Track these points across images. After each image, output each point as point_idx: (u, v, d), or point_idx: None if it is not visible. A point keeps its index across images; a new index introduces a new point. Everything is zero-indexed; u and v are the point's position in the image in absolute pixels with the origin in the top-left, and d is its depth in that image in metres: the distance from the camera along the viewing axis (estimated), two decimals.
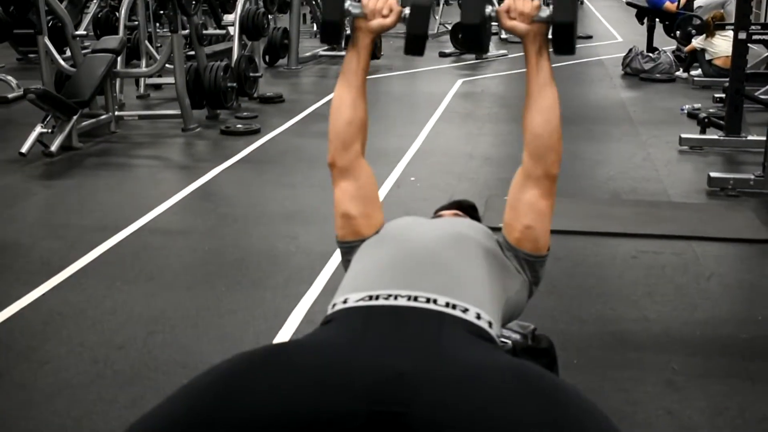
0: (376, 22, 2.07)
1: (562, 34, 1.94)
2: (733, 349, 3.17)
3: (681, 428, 2.63)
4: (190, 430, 1.48)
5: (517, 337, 2.50)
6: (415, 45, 2.12)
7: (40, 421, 2.66)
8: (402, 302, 1.69)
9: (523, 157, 2.04)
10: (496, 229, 2.12)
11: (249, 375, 1.54)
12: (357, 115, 2.12)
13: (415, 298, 1.69)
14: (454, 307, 1.69)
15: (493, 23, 2.09)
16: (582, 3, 21.47)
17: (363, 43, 2.10)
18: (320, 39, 2.26)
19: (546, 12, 1.96)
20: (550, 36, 1.99)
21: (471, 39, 2.07)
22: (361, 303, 1.71)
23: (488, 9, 2.00)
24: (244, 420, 1.48)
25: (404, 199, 5.02)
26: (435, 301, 1.69)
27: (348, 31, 2.12)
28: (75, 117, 6.37)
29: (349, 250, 2.07)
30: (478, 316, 1.70)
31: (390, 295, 1.71)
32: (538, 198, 2.02)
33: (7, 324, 3.39)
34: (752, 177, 5.16)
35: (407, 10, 2.08)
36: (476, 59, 11.61)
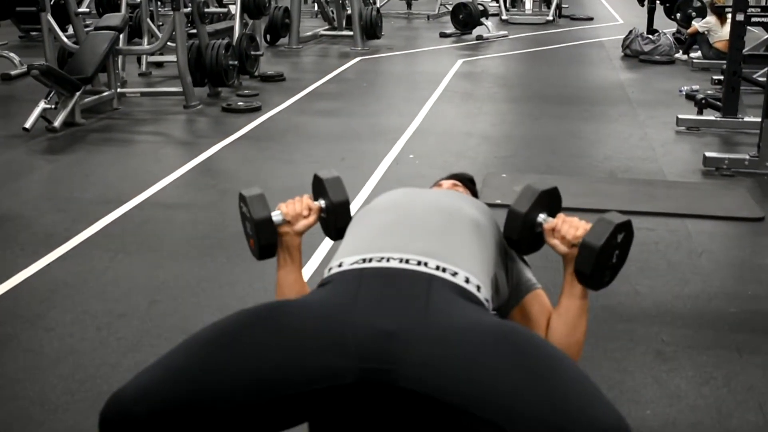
0: (301, 224, 2.11)
1: (581, 278, 1.93)
2: (721, 322, 3.25)
3: (668, 396, 2.70)
4: (187, 383, 1.55)
5: None
6: (341, 233, 2.13)
7: (46, 384, 2.74)
8: (394, 264, 1.76)
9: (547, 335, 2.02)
10: (492, 206, 2.18)
11: (245, 331, 1.61)
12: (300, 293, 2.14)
13: (407, 261, 1.76)
14: (443, 270, 1.76)
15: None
16: None
17: (293, 244, 2.13)
18: (257, 258, 2.33)
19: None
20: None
21: (513, 246, 2.07)
22: (355, 266, 1.79)
23: (541, 217, 2.00)
24: (238, 374, 1.56)
25: (402, 175, 5.08)
26: (426, 264, 1.76)
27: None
28: (78, 93, 6.43)
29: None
30: (467, 280, 1.77)
31: (383, 258, 1.78)
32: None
33: (14, 292, 3.47)
34: (747, 157, 5.23)
35: (322, 203, 2.15)
36: (476, 40, 11.63)
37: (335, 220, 2.15)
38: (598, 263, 1.89)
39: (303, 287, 2.15)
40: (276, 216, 2.09)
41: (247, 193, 2.10)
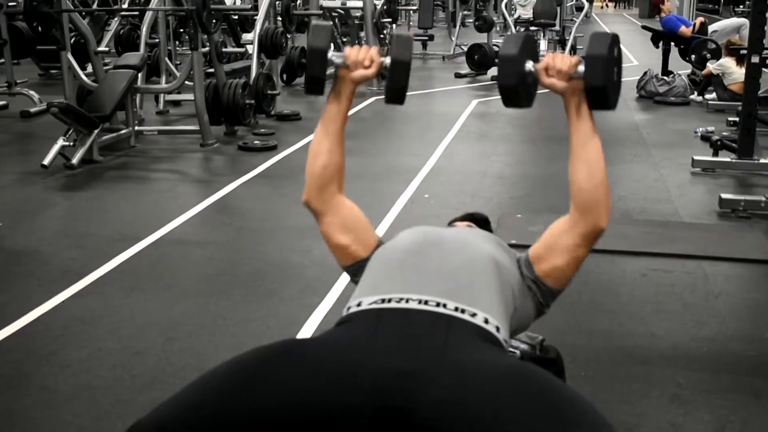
0: (358, 73, 2.11)
1: (595, 95, 1.96)
2: (738, 365, 3.22)
3: None
4: (204, 418, 1.55)
5: (525, 347, 2.56)
6: (396, 97, 2.15)
7: (60, 422, 2.74)
8: (413, 305, 1.76)
9: (570, 207, 2.06)
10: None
11: (264, 368, 1.61)
12: (333, 160, 2.16)
13: (426, 302, 1.76)
14: (462, 311, 1.76)
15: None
16: (588, 17, 21.37)
17: (345, 92, 2.14)
18: (305, 90, 2.32)
19: (583, 68, 1.98)
20: None
21: (510, 98, 2.07)
22: (374, 306, 1.79)
23: (528, 66, 2.02)
24: (256, 411, 1.55)
25: (418, 215, 5.09)
26: (445, 305, 1.76)
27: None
28: (96, 131, 6.49)
29: (355, 271, 2.13)
30: (486, 321, 1.77)
31: (402, 299, 1.78)
32: (577, 246, 2.04)
33: (29, 328, 3.48)
34: (763, 199, 5.20)
35: (387, 61, 2.11)
36: (491, 80, 11.69)
37: (390, 79, 2.10)
38: (607, 73, 1.91)
39: (340, 147, 2.16)
40: (337, 57, 2.07)
41: (314, 23, 2.10)
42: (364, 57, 2.10)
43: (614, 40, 1.96)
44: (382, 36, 12.31)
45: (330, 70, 2.15)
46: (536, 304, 2.09)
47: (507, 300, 1.91)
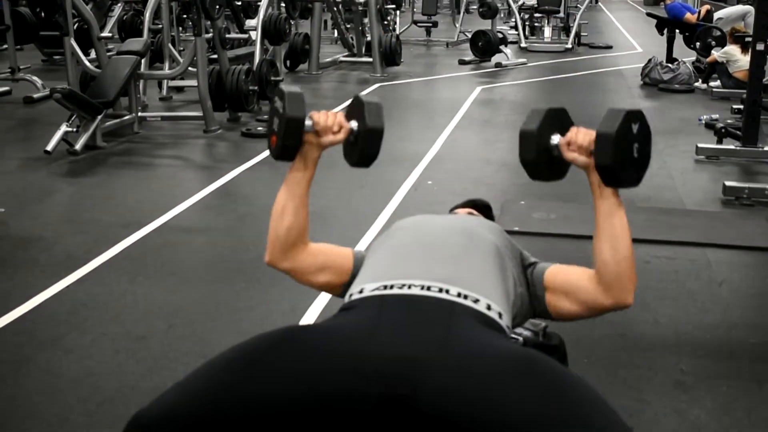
0: (327, 139, 2.08)
1: (605, 174, 1.90)
2: (741, 352, 3.22)
3: (688, 427, 2.68)
4: (208, 406, 1.56)
5: (528, 333, 2.56)
6: (365, 162, 2.13)
7: (64, 406, 2.74)
8: (415, 291, 1.76)
9: (594, 277, 1.97)
10: (511, 233, 2.18)
11: (267, 355, 1.61)
12: (298, 222, 2.11)
13: (428, 288, 1.76)
14: (465, 297, 1.76)
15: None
16: (597, 2, 21.10)
17: (311, 157, 2.10)
18: (274, 158, 2.29)
19: None
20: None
21: (533, 172, 2.03)
22: (377, 292, 1.79)
23: (554, 140, 1.97)
24: (259, 398, 1.56)
25: (421, 202, 5.09)
26: (447, 291, 1.76)
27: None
28: (99, 117, 6.49)
29: (348, 286, 2.05)
30: (489, 307, 1.77)
31: (404, 285, 1.78)
32: (595, 309, 1.99)
33: (33, 314, 3.49)
34: (767, 187, 5.20)
35: (354, 125, 2.09)
36: (495, 67, 11.66)
37: (364, 146, 2.08)
38: (617, 152, 1.85)
39: (305, 206, 2.12)
40: (305, 122, 2.04)
41: (286, 89, 2.04)
42: (332, 123, 2.08)
43: (631, 116, 1.89)
44: (386, 22, 12.29)
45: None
46: (532, 307, 2.08)
47: (508, 288, 1.91)
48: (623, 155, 1.87)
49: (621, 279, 1.91)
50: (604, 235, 1.93)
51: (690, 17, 10.86)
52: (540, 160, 1.99)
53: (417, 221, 2.14)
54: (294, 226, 2.10)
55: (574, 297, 1.99)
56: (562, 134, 1.98)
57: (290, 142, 2.04)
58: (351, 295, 1.87)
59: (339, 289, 2.12)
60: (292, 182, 2.12)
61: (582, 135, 1.93)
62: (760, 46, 6.00)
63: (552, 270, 2.06)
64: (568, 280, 2.02)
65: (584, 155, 1.92)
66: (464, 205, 2.61)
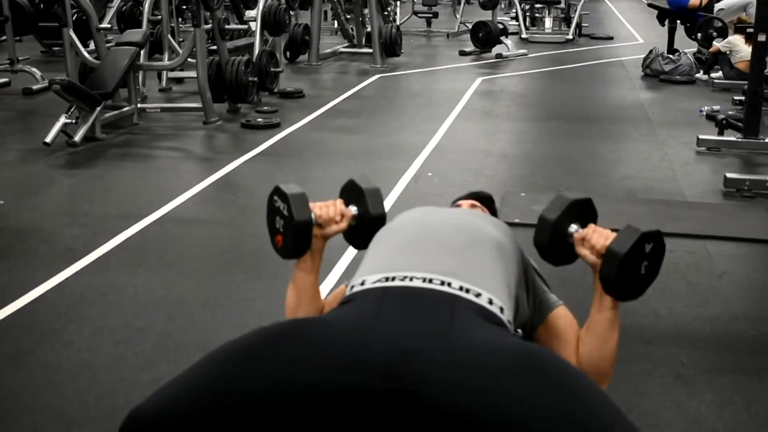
0: (331, 230, 2.12)
1: (606, 286, 1.91)
2: (742, 345, 3.21)
3: (688, 420, 2.67)
4: (208, 398, 1.55)
5: None
6: (366, 245, 2.14)
7: (63, 399, 2.74)
8: (417, 284, 1.75)
9: (577, 354, 2.02)
10: (511, 225, 2.17)
11: (267, 348, 1.61)
12: (313, 308, 2.14)
13: (430, 280, 1.75)
14: (467, 291, 1.75)
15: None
16: None
17: (317, 248, 2.14)
18: (282, 256, 2.32)
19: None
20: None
21: (545, 256, 2.05)
22: (378, 284, 1.78)
23: (572, 229, 1.99)
24: (259, 392, 1.55)
25: (421, 193, 5.08)
26: (449, 284, 1.75)
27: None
28: (98, 108, 6.47)
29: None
30: (490, 301, 1.76)
31: (405, 277, 1.77)
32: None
33: (32, 306, 3.48)
34: None
35: (354, 210, 2.13)
36: (496, 58, 11.64)
37: (367, 232, 2.12)
38: (624, 271, 1.86)
39: (317, 292, 2.15)
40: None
41: (288, 191, 2.06)
42: (334, 214, 2.12)
43: (644, 237, 1.88)
44: (386, 13, 12.25)
45: None
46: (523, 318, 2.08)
47: (510, 284, 1.90)
48: (629, 274, 1.89)
49: (598, 372, 1.97)
50: (594, 335, 1.98)
51: (694, 1, 10.79)
52: (553, 246, 2.02)
53: (420, 214, 2.13)
54: (311, 312, 2.14)
55: (560, 348, 2.04)
56: (582, 225, 2.00)
57: (301, 243, 2.08)
58: (352, 287, 1.86)
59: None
60: (301, 276, 2.15)
61: (597, 236, 1.95)
62: (762, 37, 5.97)
63: (557, 312, 2.11)
64: (562, 334, 2.06)
65: (594, 256, 1.94)
66: (467, 197, 2.60)
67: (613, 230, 1.96)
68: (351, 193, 2.18)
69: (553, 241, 1.99)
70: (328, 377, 1.54)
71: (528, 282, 2.07)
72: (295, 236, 2.05)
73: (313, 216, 2.08)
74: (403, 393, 1.51)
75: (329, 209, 2.11)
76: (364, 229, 2.14)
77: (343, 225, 2.14)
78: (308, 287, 2.14)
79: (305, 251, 2.11)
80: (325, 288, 3.58)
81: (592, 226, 1.98)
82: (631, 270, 1.87)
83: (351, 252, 3.90)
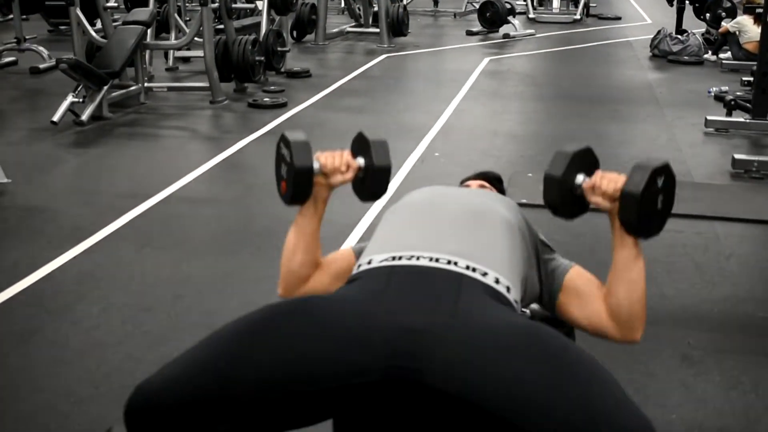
0: (336, 179, 2.09)
1: (630, 228, 1.91)
2: (749, 326, 3.21)
3: (695, 400, 2.68)
4: (214, 377, 1.55)
5: (535, 306, 2.55)
6: (375, 197, 2.15)
7: (71, 377, 2.75)
8: (424, 263, 1.74)
9: (607, 302, 1.99)
10: (518, 205, 2.17)
11: (273, 326, 1.61)
12: (309, 257, 2.11)
13: (437, 260, 1.75)
14: (474, 270, 1.74)
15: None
16: None
17: (320, 197, 2.11)
18: (285, 202, 2.32)
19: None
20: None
21: (556, 211, 2.02)
22: (385, 263, 1.78)
23: (578, 179, 1.97)
24: (265, 369, 1.55)
25: (428, 174, 5.07)
26: (456, 264, 1.74)
27: None
28: (105, 87, 6.47)
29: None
30: (497, 281, 1.75)
31: (412, 256, 1.77)
32: (598, 333, 2.01)
33: (40, 284, 3.49)
34: None
35: (362, 162, 2.11)
36: (503, 38, 11.59)
37: (372, 184, 2.11)
38: (642, 210, 1.87)
39: (316, 243, 2.13)
40: (314, 166, 2.07)
41: (291, 137, 2.06)
42: (340, 164, 2.09)
43: (658, 171, 1.87)
44: None
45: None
46: (538, 295, 2.08)
47: (518, 263, 1.90)
48: (648, 211, 1.89)
49: (632, 320, 1.96)
50: (621, 279, 1.95)
51: None
52: (564, 202, 2.00)
53: (427, 193, 2.12)
54: (307, 262, 2.12)
55: (585, 312, 2.01)
56: (588, 173, 1.99)
57: (301, 190, 2.06)
58: (359, 266, 1.86)
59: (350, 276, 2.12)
60: (302, 222, 2.13)
61: (606, 181, 1.93)
62: None
63: (573, 273, 2.06)
64: (585, 292, 2.03)
65: (608, 201, 1.92)
66: (475, 177, 2.59)
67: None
68: (359, 144, 2.16)
69: (563, 196, 1.99)
70: (334, 354, 1.54)
71: (539, 258, 2.06)
72: (295, 182, 2.04)
73: (317, 165, 2.07)
74: (408, 371, 1.51)
75: (335, 159, 2.09)
76: (369, 181, 2.11)
77: (349, 176, 2.11)
78: (308, 234, 2.12)
79: (306, 198, 2.09)
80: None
81: (598, 172, 1.97)
82: (649, 207, 1.88)
83: (354, 235, 3.90)
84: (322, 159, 2.08)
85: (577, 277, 2.05)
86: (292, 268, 2.12)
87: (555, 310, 2.06)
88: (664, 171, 1.91)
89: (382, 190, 2.13)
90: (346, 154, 2.12)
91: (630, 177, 1.88)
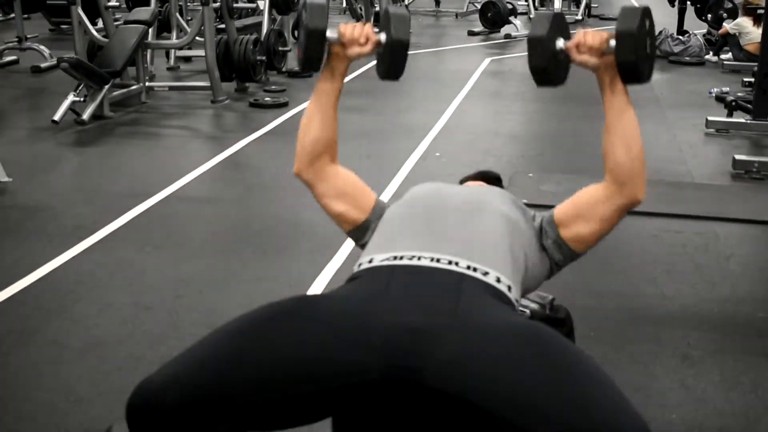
0: (354, 51, 2.07)
1: (628, 70, 1.95)
2: (749, 327, 3.21)
3: (695, 400, 2.67)
4: (214, 375, 1.55)
5: (535, 306, 2.56)
6: (393, 75, 2.14)
7: (71, 376, 2.76)
8: (425, 263, 1.75)
9: (605, 177, 2.02)
10: None
11: (274, 324, 1.61)
12: (325, 134, 2.13)
13: (438, 260, 1.75)
14: (474, 269, 1.74)
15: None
16: None
17: (338, 69, 2.11)
18: (300, 68, 2.33)
19: (614, 43, 1.95)
20: None
21: (542, 79, 2.07)
22: (386, 262, 1.78)
23: (559, 44, 2.01)
24: (265, 367, 1.55)
25: (428, 173, 5.06)
26: (457, 264, 1.74)
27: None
28: (107, 86, 6.47)
29: (357, 236, 2.13)
30: (498, 280, 1.75)
31: (414, 256, 1.77)
32: (611, 217, 2.03)
33: (40, 283, 3.49)
34: None
35: (383, 38, 2.08)
36: (505, 38, 11.58)
37: (390, 59, 2.10)
38: (639, 49, 1.91)
39: (332, 123, 2.15)
40: (331, 33, 2.06)
41: (309, 0, 2.06)
42: (359, 34, 2.07)
43: (645, 13, 1.94)
44: None
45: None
46: (551, 265, 2.08)
47: (519, 260, 1.90)
48: (642, 51, 1.93)
49: (634, 176, 1.99)
50: (617, 135, 2.00)
51: None
52: (550, 65, 2.03)
53: (430, 190, 2.12)
54: (321, 138, 2.13)
55: (587, 214, 2.03)
56: (565, 38, 2.03)
57: (312, 53, 2.05)
58: (360, 265, 1.86)
59: (349, 226, 2.13)
60: (319, 93, 2.15)
61: (590, 37, 1.97)
62: None
63: (558, 207, 2.08)
64: (576, 205, 2.05)
65: (596, 56, 1.97)
66: (475, 177, 2.59)
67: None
68: (383, 20, 2.16)
69: (548, 59, 2.01)
70: (334, 353, 1.54)
71: (542, 243, 2.06)
72: (306, 44, 2.04)
73: (335, 33, 2.07)
74: (408, 370, 1.51)
75: (354, 29, 2.08)
76: (388, 56, 2.09)
77: (367, 48, 2.09)
78: (323, 109, 2.14)
79: (317, 63, 2.08)
80: (323, 280, 3.58)
81: (580, 31, 2.02)
82: (642, 47, 1.93)
83: (351, 241, 3.90)
84: (342, 28, 2.08)
85: (563, 206, 2.08)
86: (306, 144, 2.14)
87: (574, 250, 2.07)
88: (649, 15, 1.97)
89: (399, 69, 2.11)
90: (368, 27, 2.10)
91: (620, 19, 1.94)
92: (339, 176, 2.15)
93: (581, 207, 2.04)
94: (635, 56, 1.91)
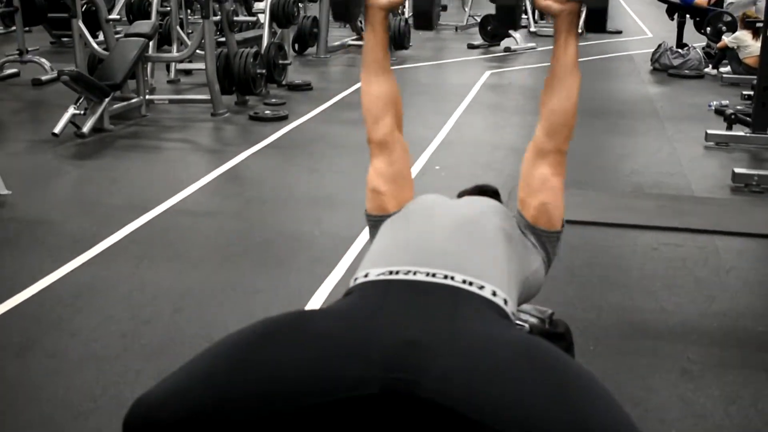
0: (386, 0, 2.14)
1: (594, 16, 2.07)
2: (749, 341, 3.21)
3: (694, 415, 2.67)
4: (214, 387, 1.55)
5: (534, 320, 2.56)
6: (423, 20, 2.23)
7: (69, 388, 2.75)
8: (420, 278, 1.75)
9: (536, 131, 2.14)
10: None
11: (271, 339, 1.61)
12: (383, 89, 2.20)
13: (434, 275, 1.75)
14: (470, 283, 1.74)
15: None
16: None
17: (376, 21, 2.17)
18: (333, 17, 2.40)
19: None
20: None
21: (505, 18, 2.16)
22: (382, 277, 1.78)
23: None
24: (263, 382, 1.55)
25: (428, 187, 5.01)
26: (452, 278, 1.74)
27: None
28: (107, 99, 6.48)
29: (374, 224, 2.17)
30: (494, 293, 1.75)
31: (409, 271, 1.77)
32: (550, 175, 2.13)
33: (39, 296, 3.49)
34: None
35: None
36: (504, 51, 11.61)
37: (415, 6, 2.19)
38: None
39: (388, 73, 2.22)
40: None
41: None
42: None
43: None
44: None
45: None
46: (543, 258, 2.11)
47: (517, 271, 1.90)
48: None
49: (565, 127, 2.12)
50: (560, 85, 2.09)
51: (701, 1, 10.77)
52: (516, 7, 2.17)
53: (427, 204, 2.13)
54: (380, 95, 2.21)
55: (534, 185, 2.13)
56: None
57: (339, 4, 2.16)
58: (356, 279, 1.85)
59: (378, 210, 2.20)
60: (366, 51, 2.21)
61: None
62: None
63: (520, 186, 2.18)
64: (522, 178, 2.17)
65: (559, 2, 2.04)
66: (472, 191, 2.59)
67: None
68: None
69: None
70: (331, 368, 1.54)
71: (530, 242, 2.09)
72: None
73: None
74: (405, 383, 1.51)
75: None
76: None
77: None
78: (376, 64, 2.20)
79: (346, 14, 2.18)
80: (322, 293, 3.58)
81: None
82: None
83: (355, 248, 3.90)
84: None
85: (519, 193, 2.17)
86: (368, 104, 2.23)
87: (545, 229, 2.12)
88: None
89: (425, 8, 2.19)
90: None
91: None
92: (397, 151, 2.25)
93: (525, 177, 2.15)
94: (605, 2, 2.05)
